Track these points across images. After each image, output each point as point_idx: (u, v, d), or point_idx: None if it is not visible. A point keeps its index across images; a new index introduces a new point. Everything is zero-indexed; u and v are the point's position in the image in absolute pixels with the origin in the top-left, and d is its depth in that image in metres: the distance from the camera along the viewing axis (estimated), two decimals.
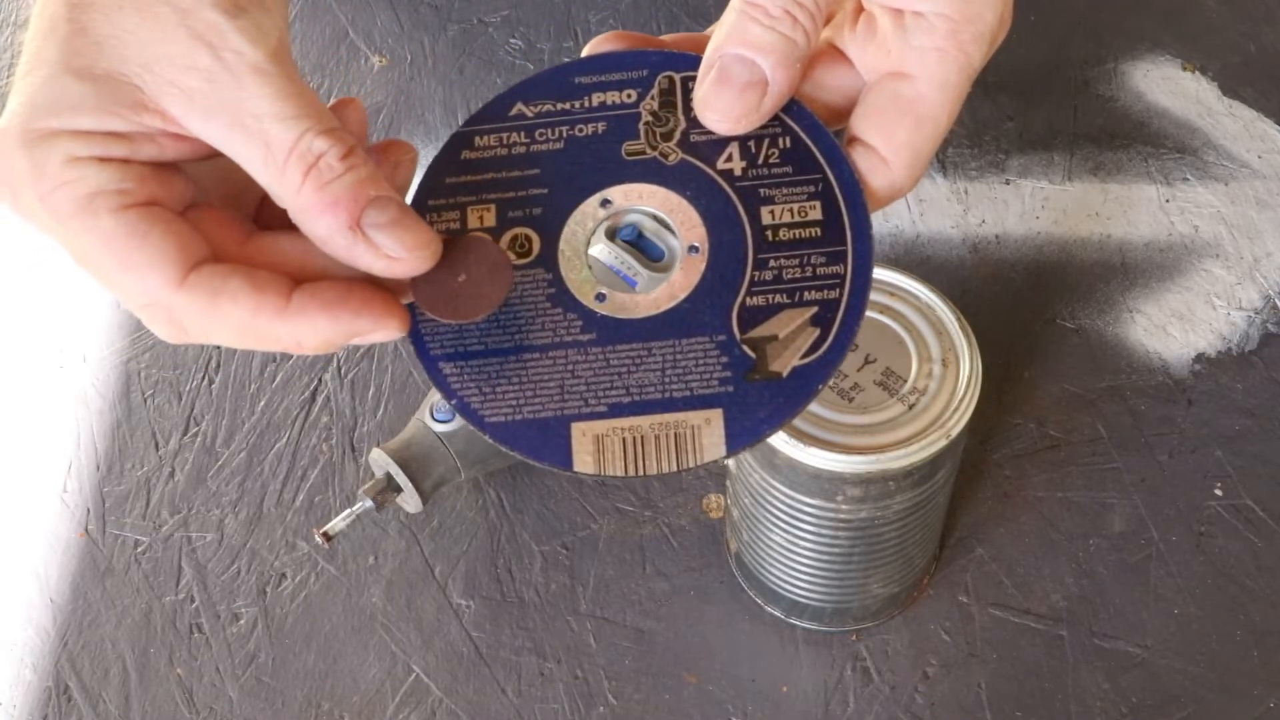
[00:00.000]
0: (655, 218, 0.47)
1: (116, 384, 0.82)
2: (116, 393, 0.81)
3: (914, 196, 0.85)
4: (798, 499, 0.61)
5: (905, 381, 0.59)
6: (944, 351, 0.60)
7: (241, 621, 0.74)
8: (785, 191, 0.46)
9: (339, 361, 0.81)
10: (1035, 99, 0.89)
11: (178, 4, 0.41)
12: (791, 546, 0.65)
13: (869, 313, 0.60)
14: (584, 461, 0.44)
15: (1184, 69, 0.89)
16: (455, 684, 0.71)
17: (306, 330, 0.42)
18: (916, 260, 0.82)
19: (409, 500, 0.73)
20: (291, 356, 0.82)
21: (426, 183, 0.48)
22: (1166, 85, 0.89)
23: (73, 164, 0.40)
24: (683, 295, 0.45)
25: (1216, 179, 0.85)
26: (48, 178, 0.40)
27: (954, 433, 0.58)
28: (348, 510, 0.72)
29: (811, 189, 0.46)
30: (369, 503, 0.72)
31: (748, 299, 0.45)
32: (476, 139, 0.48)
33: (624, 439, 0.44)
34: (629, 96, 0.48)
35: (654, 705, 0.70)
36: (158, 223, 0.41)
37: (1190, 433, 0.76)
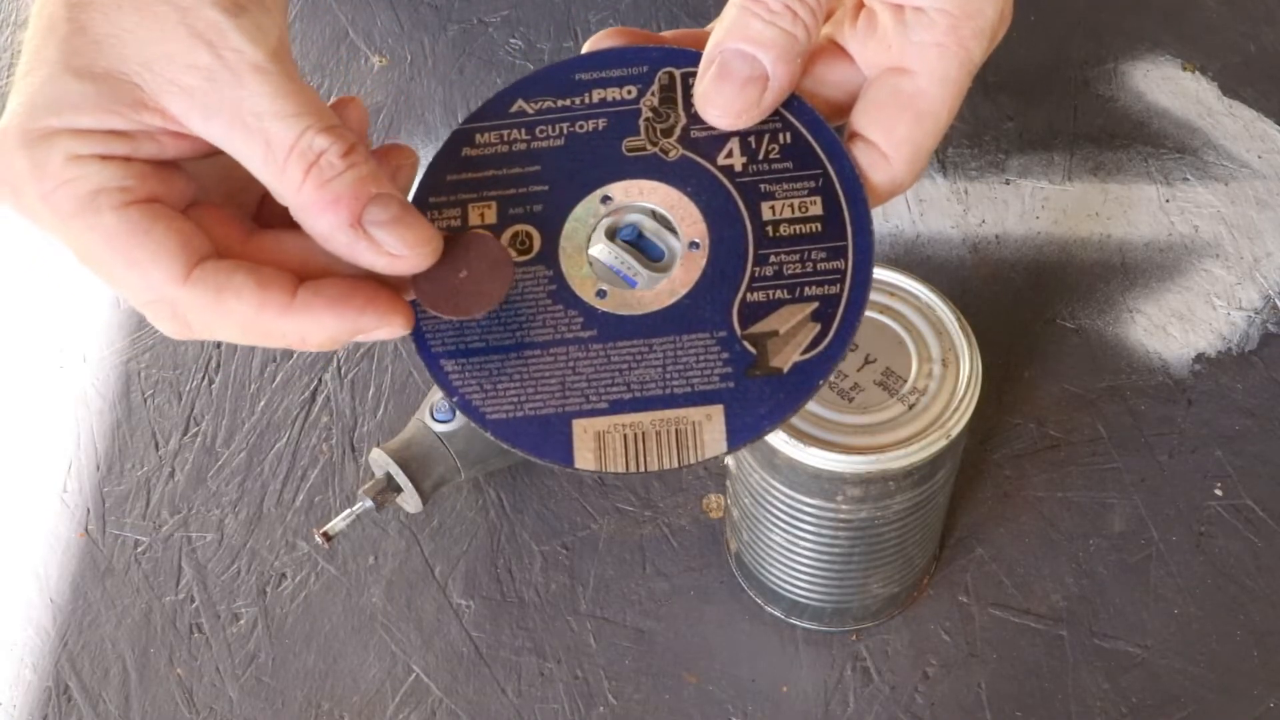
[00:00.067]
0: (656, 214, 0.47)
1: (116, 384, 0.82)
2: (116, 393, 0.81)
3: (914, 196, 0.85)
4: (798, 499, 0.61)
5: (905, 381, 0.59)
6: (944, 351, 0.60)
7: (241, 621, 0.74)
8: (786, 187, 0.46)
9: (339, 361, 0.81)
10: (1035, 99, 0.89)
11: (177, 3, 0.41)
12: (791, 546, 0.65)
13: (869, 313, 0.60)
14: (585, 458, 0.44)
15: (1184, 69, 0.89)
16: (455, 684, 0.71)
17: (311, 327, 0.42)
18: (916, 260, 0.82)
19: (409, 500, 0.73)
20: (291, 356, 0.82)
21: (427, 180, 0.48)
22: (1166, 85, 0.89)
23: (74, 162, 0.40)
24: (683, 291, 0.46)
25: (1216, 179, 0.85)
26: (49, 176, 0.41)
27: (954, 433, 0.58)
28: (348, 510, 0.72)
29: (812, 184, 0.46)
30: (369, 503, 0.72)
31: (748, 295, 0.45)
32: (477, 136, 0.48)
33: (625, 435, 0.44)
34: (629, 93, 0.48)
35: (654, 705, 0.70)
36: (160, 219, 0.41)
37: (1190, 433, 0.76)
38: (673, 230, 0.47)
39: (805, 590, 0.68)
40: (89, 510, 0.78)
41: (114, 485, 0.78)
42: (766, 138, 0.46)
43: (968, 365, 0.59)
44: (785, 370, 0.44)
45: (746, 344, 0.44)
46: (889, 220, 0.84)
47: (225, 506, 0.77)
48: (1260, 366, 0.78)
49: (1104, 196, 0.85)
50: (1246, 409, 0.77)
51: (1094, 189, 0.85)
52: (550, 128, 0.48)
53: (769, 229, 0.45)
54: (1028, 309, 0.81)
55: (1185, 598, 0.72)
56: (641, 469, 0.44)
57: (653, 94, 0.47)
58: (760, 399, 0.44)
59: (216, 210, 0.44)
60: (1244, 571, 0.72)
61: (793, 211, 0.46)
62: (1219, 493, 0.75)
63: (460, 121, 0.49)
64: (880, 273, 0.61)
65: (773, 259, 0.45)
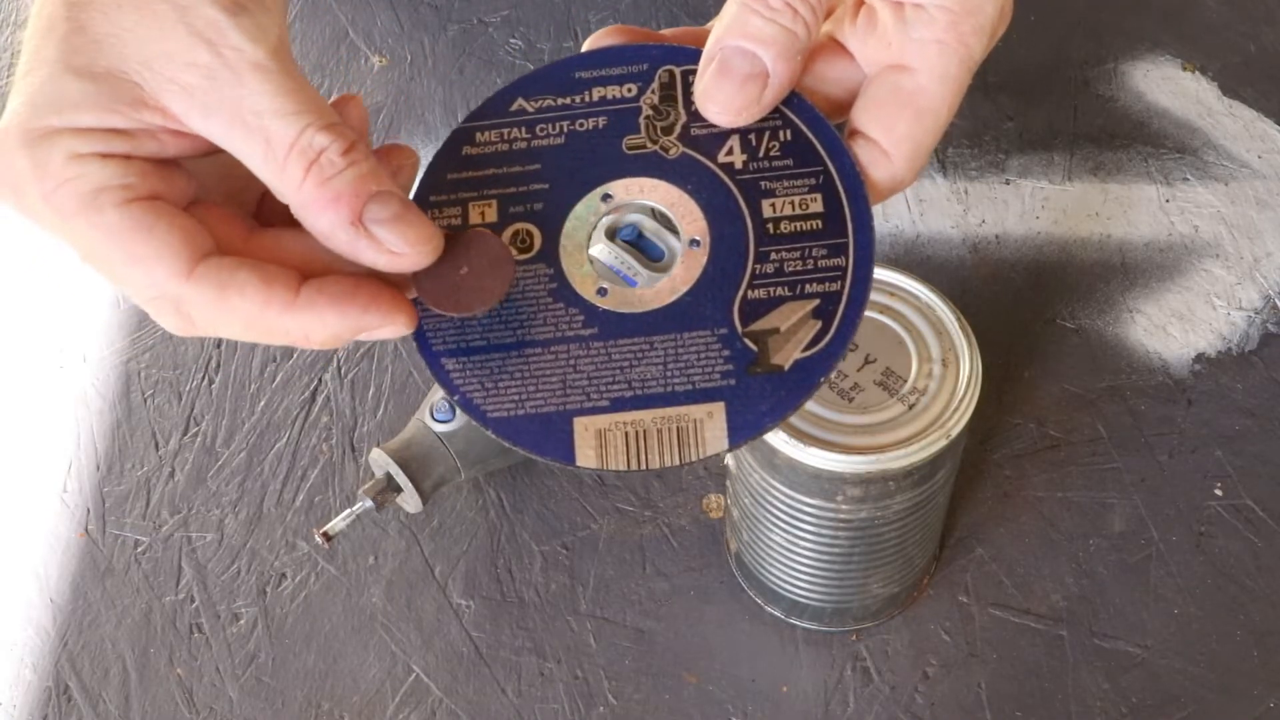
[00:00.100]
0: (656, 212, 0.47)
1: (116, 384, 0.82)
2: (116, 393, 0.81)
3: (914, 196, 0.85)
4: (798, 499, 0.61)
5: (905, 381, 0.59)
6: (944, 351, 0.60)
7: (241, 621, 0.74)
8: (786, 184, 0.46)
9: (339, 361, 0.81)
10: (1035, 99, 0.89)
11: (176, 1, 0.41)
12: (791, 546, 0.65)
13: (869, 313, 0.60)
14: (586, 456, 0.44)
15: (1184, 69, 0.89)
16: (455, 684, 0.71)
17: (314, 324, 0.42)
18: (916, 260, 0.82)
19: (409, 500, 0.73)
20: (291, 356, 0.82)
21: (428, 179, 0.48)
22: (1166, 85, 0.89)
23: (75, 161, 0.40)
24: (684, 289, 0.46)
25: (1216, 179, 0.85)
26: (51, 176, 0.41)
27: (954, 433, 0.58)
28: (348, 510, 0.72)
29: (812, 181, 0.46)
30: (369, 503, 0.72)
31: (749, 292, 0.45)
32: (478, 135, 0.48)
33: (626, 433, 0.44)
34: (629, 91, 0.48)
35: (654, 705, 0.70)
36: (163, 216, 0.41)
37: (1190, 433, 0.76)
38: (673, 230, 0.47)
39: (805, 590, 0.68)
40: (89, 510, 0.78)
41: (114, 485, 0.78)
42: (767, 135, 0.46)
43: (968, 365, 0.59)
44: (786, 367, 0.44)
45: (747, 341, 0.44)
46: (889, 220, 0.84)
47: (225, 506, 0.77)
48: (1260, 366, 0.78)
49: (1104, 196, 0.85)
50: (1246, 409, 0.77)
51: (1094, 189, 0.85)
52: (550, 126, 0.48)
53: (770, 226, 0.46)
54: (1028, 309, 0.81)
55: (1185, 598, 0.72)
56: (643, 466, 0.44)
57: (653, 92, 0.47)
58: (761, 396, 0.44)
59: (217, 209, 0.44)
60: (1244, 571, 0.72)
61: (793, 209, 0.46)
62: (1219, 493, 0.75)
63: (460, 120, 0.49)
64: (880, 273, 0.61)
65: (773, 256, 0.45)
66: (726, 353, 0.44)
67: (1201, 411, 0.77)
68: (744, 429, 0.44)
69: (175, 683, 0.72)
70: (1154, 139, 0.87)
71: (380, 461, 0.72)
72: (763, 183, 0.46)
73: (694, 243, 0.46)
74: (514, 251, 0.46)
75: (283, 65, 0.42)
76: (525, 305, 0.46)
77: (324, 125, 0.42)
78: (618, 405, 0.44)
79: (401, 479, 0.71)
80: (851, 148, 0.45)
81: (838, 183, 0.45)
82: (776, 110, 0.46)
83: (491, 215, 0.47)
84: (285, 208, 0.43)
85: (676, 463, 0.44)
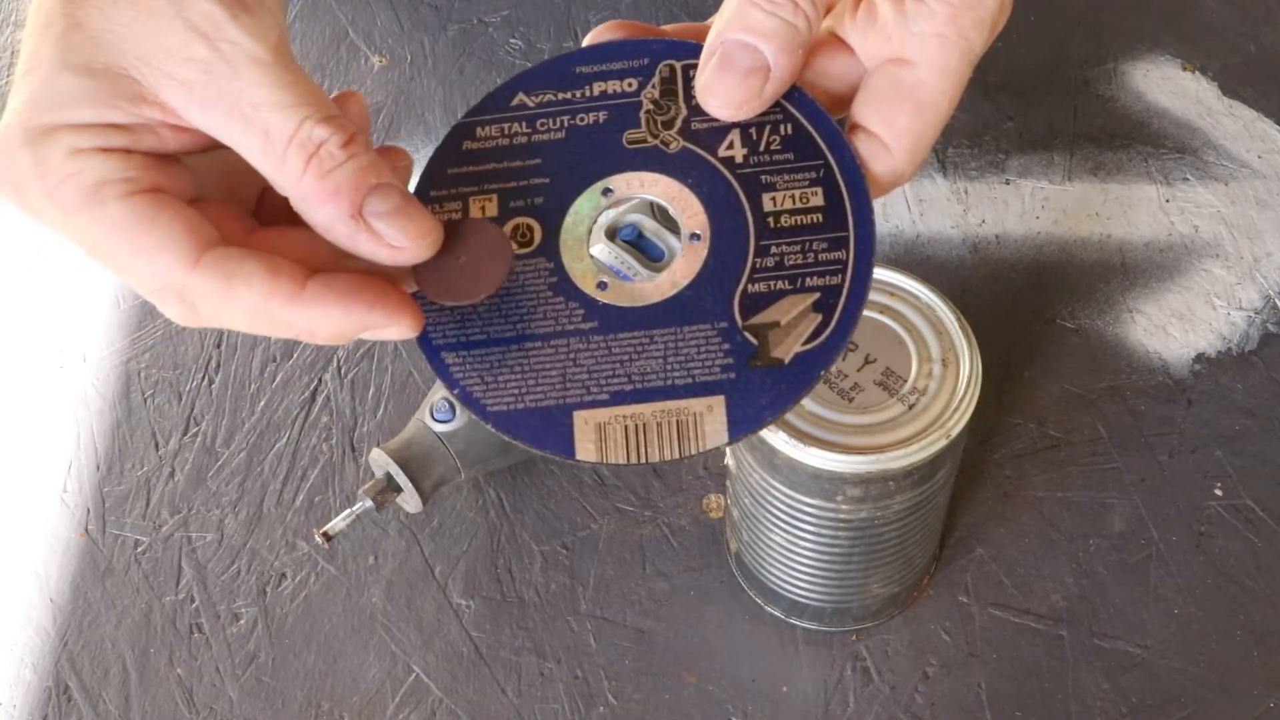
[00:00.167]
0: (656, 208, 0.47)
1: (116, 384, 0.82)
2: (116, 393, 0.81)
3: (914, 196, 0.85)
4: (798, 499, 0.61)
5: (905, 381, 0.59)
6: (944, 351, 0.60)
7: (241, 621, 0.74)
8: (787, 178, 0.46)
9: (339, 361, 0.81)
10: (1035, 99, 0.89)
11: None
12: (791, 546, 0.65)
13: (869, 313, 0.60)
14: (586, 449, 0.44)
15: (1184, 69, 0.89)
16: (455, 684, 0.71)
17: (319, 319, 0.42)
18: (916, 260, 0.82)
19: (409, 500, 0.73)
20: (291, 356, 0.82)
21: (428, 173, 0.48)
22: (1166, 85, 0.89)
23: (75, 156, 0.41)
24: (685, 283, 0.45)
25: (1216, 179, 0.85)
26: (52, 172, 0.41)
27: (954, 433, 0.58)
28: (348, 510, 0.72)
29: (813, 175, 0.46)
30: (369, 503, 0.72)
31: (750, 286, 0.45)
32: (478, 129, 0.48)
33: (626, 426, 0.44)
34: (630, 85, 0.48)
35: (654, 705, 0.70)
36: (165, 207, 0.41)
37: (1190, 433, 0.76)
38: (673, 229, 0.47)
39: (805, 590, 0.68)
40: (89, 510, 0.78)
41: (114, 485, 0.78)
42: (767, 129, 0.46)
43: (968, 365, 0.59)
44: (787, 361, 0.44)
45: (748, 335, 0.44)
46: (889, 220, 0.84)
47: (225, 506, 0.77)
48: (1260, 366, 0.78)
49: (1104, 196, 0.85)
50: (1246, 409, 0.77)
51: (1094, 189, 0.85)
52: (551, 121, 0.48)
53: (770, 220, 0.45)
54: (1028, 309, 0.81)
55: (1185, 598, 0.72)
56: (642, 460, 0.44)
57: (653, 86, 0.48)
58: (761, 390, 0.44)
59: (218, 206, 0.44)
60: (1244, 571, 0.72)
61: (794, 202, 0.46)
62: (1219, 493, 0.75)
63: (461, 116, 0.49)
64: (880, 273, 0.61)
65: (774, 250, 0.45)
66: (727, 346, 0.44)
67: (1201, 411, 0.77)
68: (744, 422, 0.44)
69: (175, 683, 0.72)
70: (1154, 139, 0.87)
71: (380, 461, 0.72)
72: (763, 176, 0.46)
73: (694, 236, 0.46)
74: (515, 246, 0.46)
75: (281, 58, 0.42)
76: (525, 299, 0.46)
77: (323, 118, 0.42)
78: (617, 399, 0.44)
79: (401, 479, 0.71)
80: (852, 141, 0.45)
81: (838, 176, 0.45)
82: (777, 104, 0.46)
83: (492, 210, 0.47)
84: (285, 206, 0.43)
85: (676, 456, 0.44)
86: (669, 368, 0.44)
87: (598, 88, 0.48)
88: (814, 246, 0.45)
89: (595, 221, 0.47)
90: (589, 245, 0.47)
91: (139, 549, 0.76)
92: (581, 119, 0.48)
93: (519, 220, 0.47)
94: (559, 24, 0.94)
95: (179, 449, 0.79)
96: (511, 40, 0.93)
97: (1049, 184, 0.85)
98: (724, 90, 0.45)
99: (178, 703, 0.72)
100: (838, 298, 0.44)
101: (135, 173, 0.41)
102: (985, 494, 0.75)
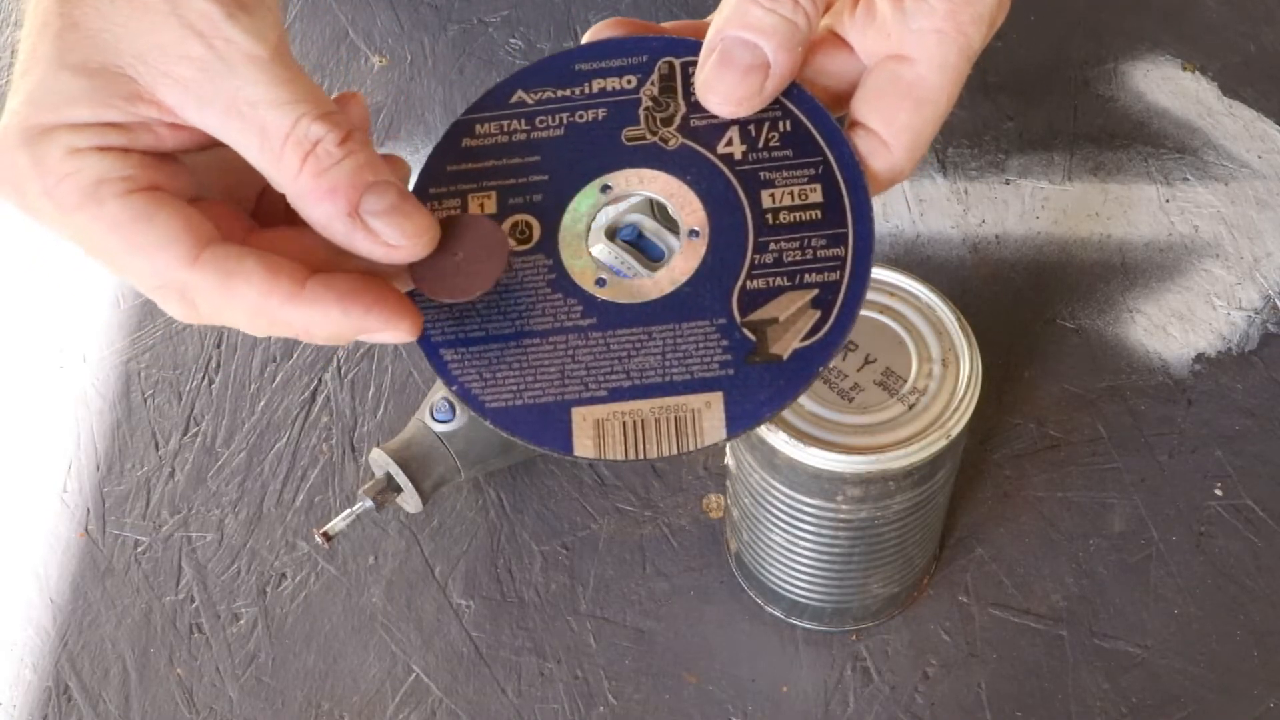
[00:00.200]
0: (655, 206, 0.47)
1: (116, 384, 0.82)
2: (116, 393, 0.81)
3: (914, 196, 0.85)
4: (798, 499, 0.61)
5: (905, 381, 0.59)
6: (944, 351, 0.60)
7: (241, 621, 0.74)
8: (786, 174, 0.46)
9: (339, 361, 0.81)
10: (1035, 99, 0.89)
11: None
12: (791, 546, 0.65)
13: (869, 313, 0.60)
14: (584, 445, 0.44)
15: (1184, 69, 0.89)
16: (455, 684, 0.71)
17: (318, 318, 0.42)
18: (916, 260, 0.82)
19: (409, 500, 0.73)
20: (292, 356, 0.82)
21: (427, 171, 0.48)
22: (1166, 85, 0.89)
23: (73, 155, 0.41)
24: (683, 279, 0.45)
25: (1216, 179, 0.85)
26: (51, 171, 0.41)
27: (954, 433, 0.58)
28: (348, 510, 0.72)
29: (812, 172, 0.46)
30: (369, 503, 0.72)
31: (748, 282, 0.45)
32: (477, 127, 0.48)
33: (624, 423, 0.44)
34: (629, 83, 0.48)
35: (654, 705, 0.70)
36: (164, 205, 0.41)
37: (1190, 433, 0.76)
38: (673, 229, 0.47)
39: (805, 590, 0.68)
40: (89, 510, 0.78)
41: (114, 485, 0.78)
42: (766, 126, 0.46)
43: (968, 365, 0.59)
44: (785, 357, 0.44)
45: (746, 331, 0.44)
46: (889, 220, 0.84)
47: (225, 506, 0.77)
48: (1260, 366, 0.78)
49: (1104, 196, 0.85)
50: (1246, 409, 0.77)
51: (1094, 189, 0.85)
52: (550, 118, 0.48)
53: (769, 216, 0.45)
54: (1028, 309, 0.81)
55: (1185, 598, 0.72)
56: (640, 456, 0.44)
57: (652, 83, 0.47)
58: (760, 385, 0.44)
59: (218, 206, 0.44)
60: (1244, 571, 0.72)
61: (793, 199, 0.46)
62: (1219, 493, 0.75)
63: (460, 113, 0.49)
64: (880, 273, 0.61)
65: (772, 246, 0.45)
66: (725, 342, 0.44)
67: (1201, 411, 0.77)
68: (742, 418, 0.44)
69: (175, 683, 0.72)
70: (1154, 139, 0.87)
71: (380, 461, 0.72)
72: (762, 173, 0.46)
73: (693, 233, 0.46)
74: (513, 243, 0.46)
75: (277, 55, 0.42)
76: (524, 296, 0.46)
77: (319, 115, 0.42)
78: (616, 395, 0.44)
79: (401, 479, 0.71)
80: (851, 138, 0.45)
81: (837, 173, 0.45)
82: (776, 101, 0.46)
83: (491, 207, 0.47)
84: (284, 207, 0.43)
85: (674, 452, 0.43)
86: (667, 364, 0.44)
87: (597, 85, 0.48)
88: (813, 243, 0.45)
89: (594, 218, 0.47)
90: (588, 244, 0.47)
91: (139, 549, 0.76)
92: (580, 116, 0.48)
93: (518, 217, 0.47)
94: (559, 24, 0.94)
95: (179, 449, 0.79)
96: (511, 40, 0.93)
97: (1049, 184, 0.85)
98: (724, 87, 0.45)
99: (178, 703, 0.72)
100: (836, 294, 0.44)
101: (133, 171, 0.41)
102: (985, 494, 0.75)
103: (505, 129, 0.48)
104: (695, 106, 0.47)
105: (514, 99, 0.48)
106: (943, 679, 0.70)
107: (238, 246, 0.42)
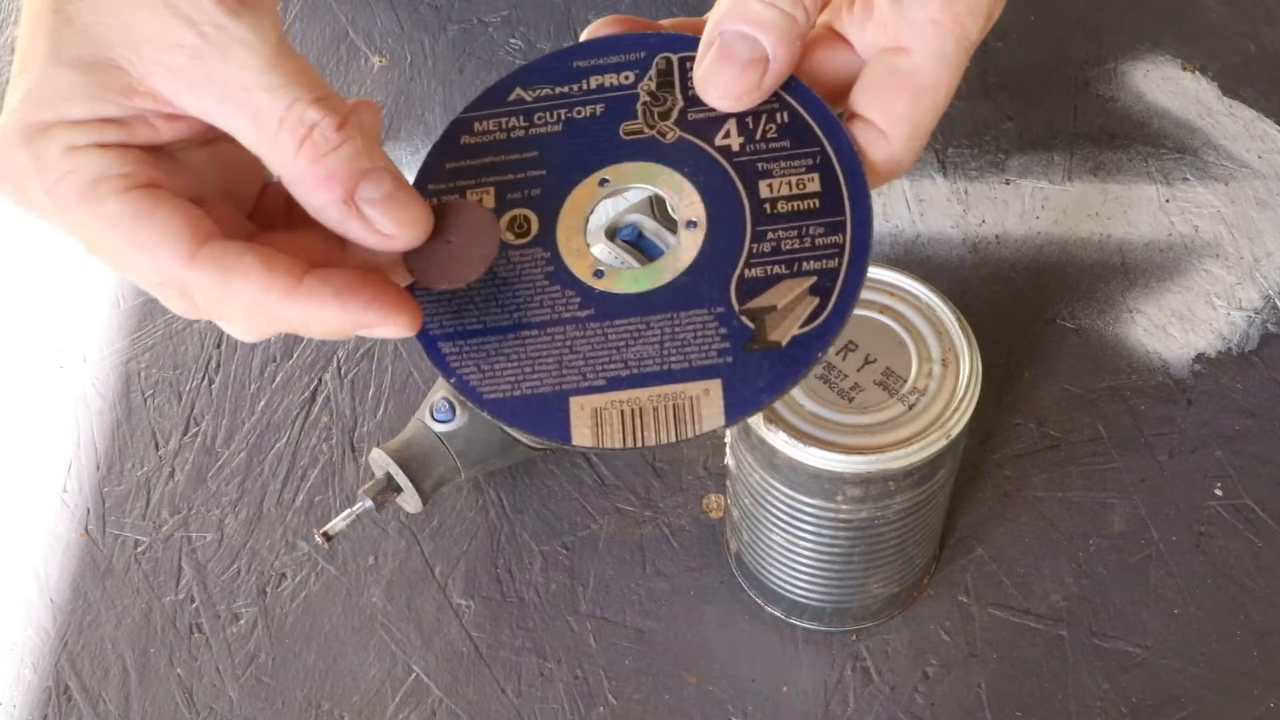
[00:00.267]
0: (656, 204, 0.47)
1: (116, 384, 0.82)
2: (116, 393, 0.81)
3: (914, 196, 0.85)
4: (798, 499, 0.61)
5: (905, 381, 0.59)
6: (944, 351, 0.60)
7: (241, 621, 0.74)
8: (783, 165, 0.46)
9: (339, 361, 0.81)
10: (1035, 99, 0.89)
11: None
12: (791, 546, 0.65)
13: (870, 313, 0.60)
14: (582, 435, 0.44)
15: (1184, 69, 0.89)
16: (455, 684, 0.71)
17: (315, 314, 0.42)
18: (916, 260, 0.82)
19: (409, 500, 0.73)
20: (292, 356, 0.82)
21: (426, 168, 0.48)
22: (1166, 85, 0.89)
23: (72, 153, 0.41)
24: (681, 269, 0.46)
25: (1216, 179, 0.85)
26: (50, 169, 0.41)
27: (954, 433, 0.58)
28: (348, 510, 0.72)
29: (809, 161, 0.46)
30: (369, 503, 0.72)
31: (746, 271, 0.45)
32: (475, 124, 0.48)
33: (622, 411, 0.44)
34: (627, 78, 0.48)
35: (654, 705, 0.70)
36: (163, 202, 0.41)
37: (1190, 433, 0.76)
38: (673, 228, 0.47)
39: (805, 590, 0.68)
40: (89, 510, 0.78)
41: (114, 485, 0.78)
42: (764, 118, 0.46)
43: (968, 365, 0.59)
44: (784, 343, 0.44)
45: (744, 319, 0.44)
46: (889, 220, 0.84)
47: (225, 506, 0.77)
48: (1260, 366, 0.78)
49: (1104, 196, 0.85)
50: (1246, 409, 0.77)
51: (1094, 189, 0.85)
52: (548, 114, 0.48)
53: (767, 206, 0.46)
54: (1028, 309, 0.81)
55: (1185, 598, 0.72)
56: (639, 444, 0.44)
57: (650, 79, 0.48)
58: (758, 372, 0.44)
59: (218, 206, 0.44)
60: (1244, 571, 0.72)
61: (790, 188, 0.46)
62: (1219, 493, 0.75)
63: (460, 111, 0.49)
64: (880, 273, 0.61)
65: (771, 235, 0.45)
66: (723, 330, 0.44)
67: (1201, 411, 0.77)
68: (741, 405, 0.44)
69: (175, 683, 0.72)
70: (1154, 139, 0.87)
71: (380, 461, 0.72)
72: (760, 164, 0.46)
73: (691, 224, 0.46)
74: (511, 237, 0.46)
75: (270, 40, 0.41)
76: (522, 289, 0.46)
77: (315, 99, 0.42)
78: (614, 384, 0.44)
79: (401, 479, 0.71)
80: (850, 130, 0.45)
81: (834, 162, 0.45)
82: (773, 93, 0.46)
83: (489, 202, 0.47)
84: (284, 207, 0.43)
85: (673, 439, 0.43)
86: (665, 353, 0.44)
87: (594, 81, 0.48)
88: (810, 231, 0.45)
89: (592, 211, 0.47)
90: (588, 240, 0.47)
91: (139, 549, 0.76)
92: (579, 112, 0.48)
93: (516, 212, 0.47)
94: (559, 24, 0.94)
95: (179, 449, 0.79)
96: (511, 40, 0.93)
97: (1049, 184, 0.85)
98: (723, 81, 0.45)
99: (178, 703, 0.72)
100: (834, 281, 0.44)
101: (131, 168, 0.41)
102: (985, 494, 0.75)
103: (504, 126, 0.48)
104: (693, 101, 0.47)
105: (512, 96, 0.48)
106: (943, 679, 0.70)
107: (236, 242, 0.42)
